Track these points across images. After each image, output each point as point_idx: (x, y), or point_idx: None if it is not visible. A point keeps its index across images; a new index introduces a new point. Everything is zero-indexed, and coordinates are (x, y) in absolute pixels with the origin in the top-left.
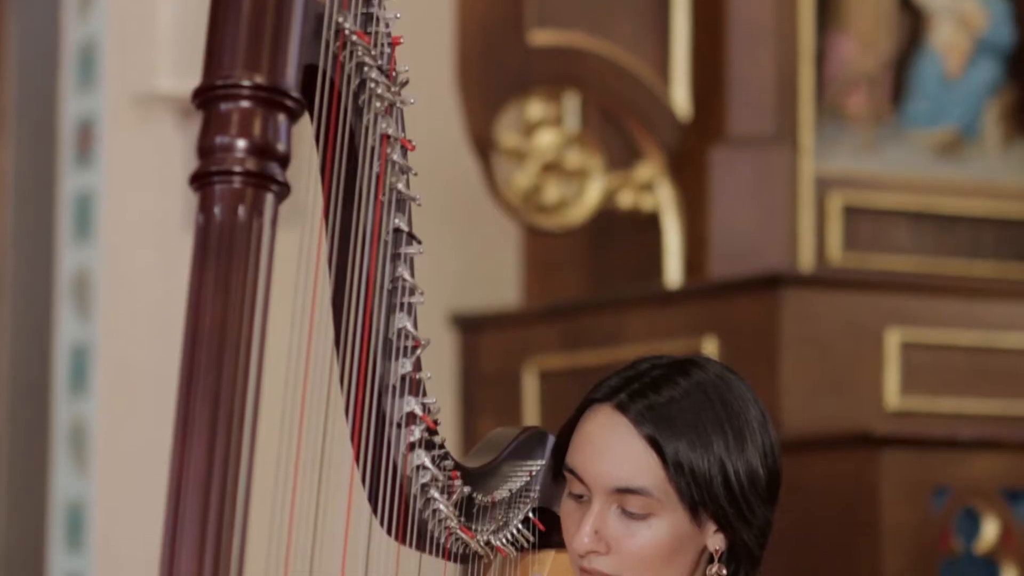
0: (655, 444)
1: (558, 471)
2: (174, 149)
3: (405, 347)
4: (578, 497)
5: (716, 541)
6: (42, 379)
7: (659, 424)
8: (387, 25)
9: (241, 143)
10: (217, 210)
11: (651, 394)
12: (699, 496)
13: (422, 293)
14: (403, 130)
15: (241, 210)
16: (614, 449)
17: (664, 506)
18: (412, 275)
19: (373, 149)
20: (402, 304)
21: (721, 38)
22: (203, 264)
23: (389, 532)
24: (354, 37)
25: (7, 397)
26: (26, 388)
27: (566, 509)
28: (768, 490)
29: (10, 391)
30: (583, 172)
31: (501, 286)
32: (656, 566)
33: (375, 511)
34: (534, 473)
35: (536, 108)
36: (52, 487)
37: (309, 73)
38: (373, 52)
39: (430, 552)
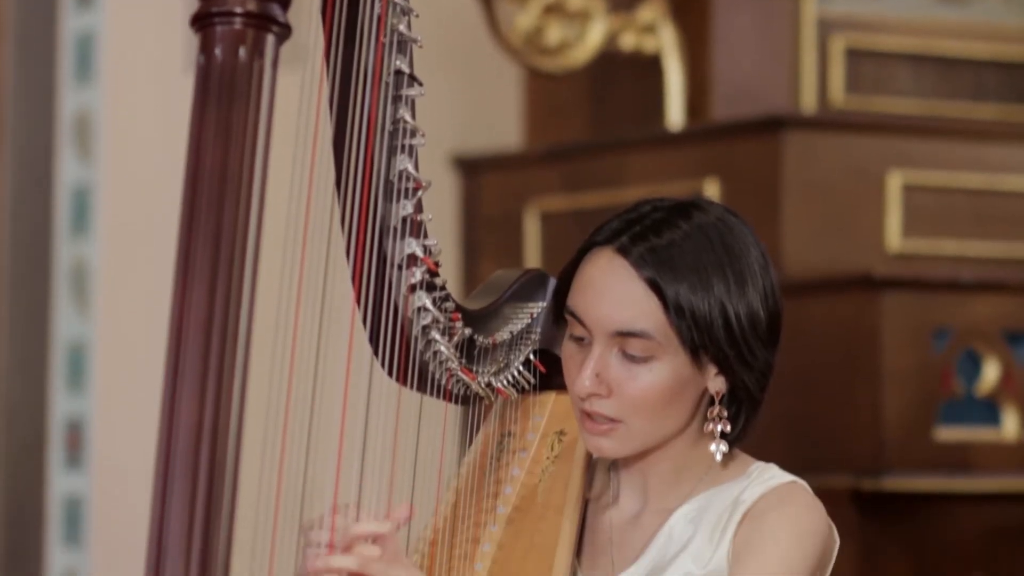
0: (656, 287)
1: (559, 314)
2: None
3: (406, 189)
4: (579, 340)
5: (717, 384)
6: (44, 222)
7: (660, 267)
8: None
9: None
10: (218, 51)
11: (652, 237)
12: (699, 339)
13: (423, 135)
14: None
15: (242, 51)
16: (615, 292)
17: (665, 349)
18: (413, 117)
19: None
20: (403, 146)
21: None
22: (204, 105)
23: (390, 374)
24: None
25: (8, 236)
26: (27, 231)
27: (567, 352)
28: (769, 332)
29: (11, 233)
30: (585, 14)
31: (502, 128)
32: (657, 409)
33: (376, 353)
34: (535, 315)
35: None
36: (53, 328)
37: None
38: None
39: (431, 394)
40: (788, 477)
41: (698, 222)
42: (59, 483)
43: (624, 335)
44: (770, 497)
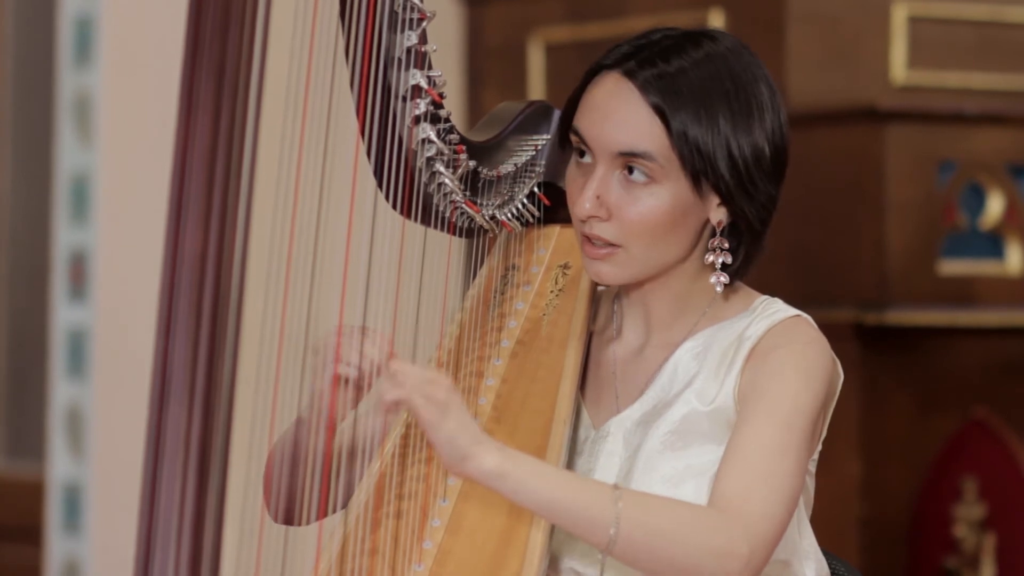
0: (661, 112)
1: (564, 137)
2: None
3: (411, 19)
4: (581, 155)
5: (718, 214)
6: (46, 52)
7: (666, 93)
8: None
9: None
10: None
11: (660, 63)
12: (701, 166)
13: None
14: None
15: None
16: (620, 114)
17: (667, 174)
18: None
19: None
20: None
21: None
22: None
23: (394, 206)
24: None
25: (11, 68)
26: (30, 60)
27: (570, 175)
28: (773, 166)
29: (13, 64)
30: None
31: None
32: (657, 234)
33: (380, 185)
34: (539, 147)
35: None
36: (57, 159)
37: None
38: None
39: (435, 227)
40: (792, 311)
41: (708, 51)
42: (63, 315)
43: (626, 155)
44: (775, 333)
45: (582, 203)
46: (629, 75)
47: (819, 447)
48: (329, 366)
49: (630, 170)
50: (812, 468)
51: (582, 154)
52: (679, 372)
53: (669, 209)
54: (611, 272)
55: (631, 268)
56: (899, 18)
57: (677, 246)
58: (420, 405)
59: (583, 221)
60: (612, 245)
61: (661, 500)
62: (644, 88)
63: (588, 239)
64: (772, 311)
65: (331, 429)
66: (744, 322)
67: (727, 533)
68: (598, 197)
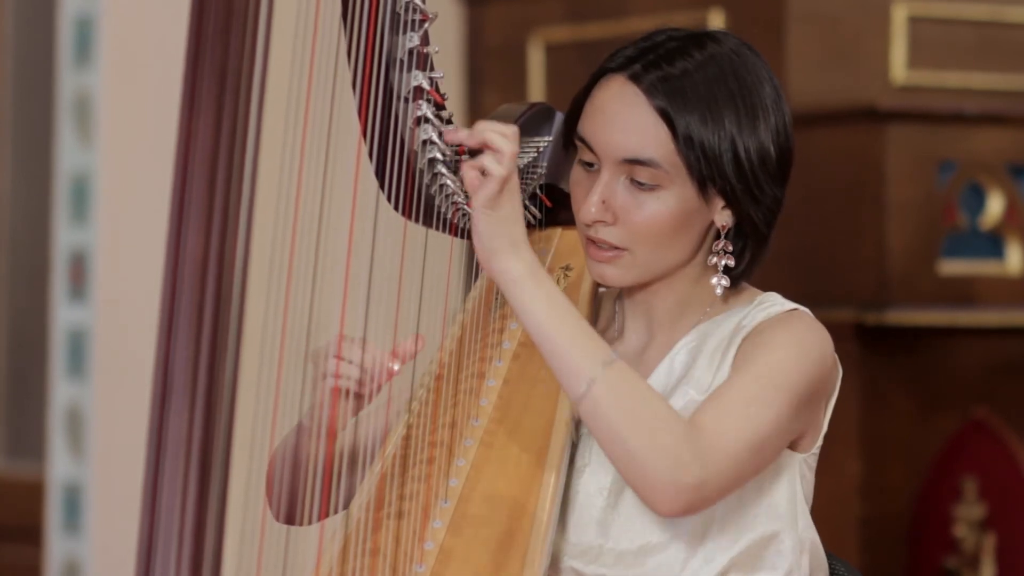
0: (666, 116)
1: (569, 140)
2: None
3: (413, 21)
4: (588, 166)
5: (723, 217)
6: (46, 52)
7: (671, 96)
8: None
9: None
10: None
11: (665, 66)
12: (707, 170)
13: None
14: None
15: None
16: (625, 119)
17: (672, 179)
18: None
19: None
20: None
21: None
22: None
23: (396, 208)
24: None
25: (11, 68)
26: (30, 60)
27: (575, 178)
28: (778, 169)
29: (13, 64)
30: None
31: None
32: (662, 239)
33: (382, 186)
34: (541, 149)
35: None
36: (57, 159)
37: None
38: None
39: (436, 228)
40: (791, 305)
41: (712, 53)
42: (63, 315)
43: (632, 163)
44: (772, 320)
45: (588, 208)
46: (634, 79)
47: (819, 444)
48: (329, 378)
49: (635, 174)
50: (812, 465)
51: (589, 165)
52: (675, 366)
53: (674, 214)
54: (616, 275)
55: (635, 271)
56: (899, 18)
57: (682, 249)
58: (484, 184)
59: (588, 225)
60: (617, 248)
61: (647, 388)
62: (649, 92)
63: (593, 242)
64: (769, 303)
65: (332, 437)
66: (741, 314)
67: (690, 448)
68: (604, 202)
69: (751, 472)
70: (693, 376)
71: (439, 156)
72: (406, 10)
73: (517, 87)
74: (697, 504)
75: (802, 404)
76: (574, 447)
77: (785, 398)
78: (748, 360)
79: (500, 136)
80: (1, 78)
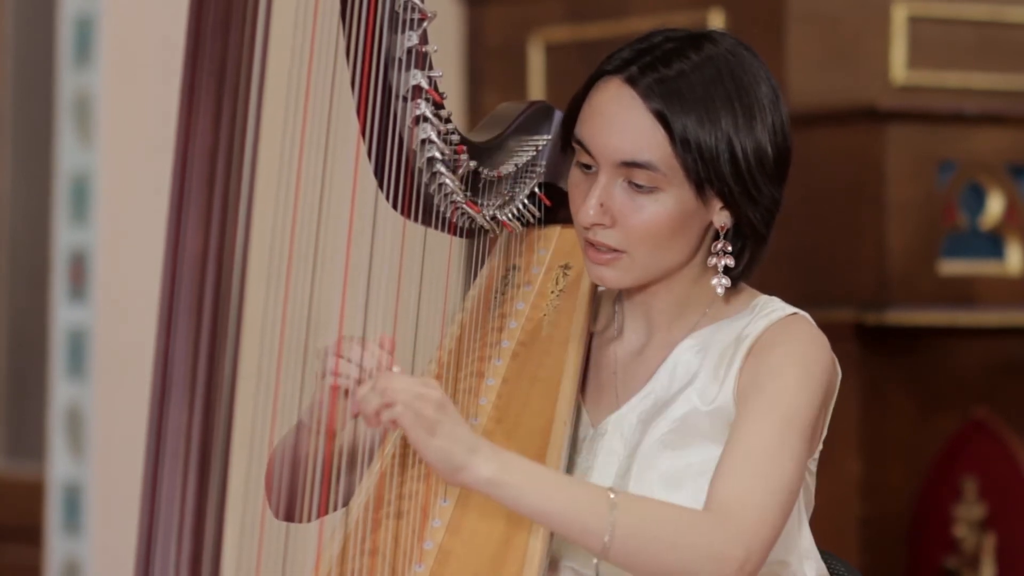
0: (663, 119)
1: (566, 142)
2: None
3: (412, 20)
4: (585, 168)
5: (722, 218)
6: (46, 52)
7: (668, 99)
8: None
9: None
10: None
11: (661, 68)
12: (705, 173)
13: None
14: None
15: None
16: (622, 122)
17: (670, 181)
18: None
19: None
20: None
21: None
22: None
23: (395, 207)
24: None
25: (11, 68)
26: (30, 60)
27: (573, 180)
28: (776, 169)
29: (13, 64)
30: None
31: None
32: (660, 240)
33: (381, 185)
34: (540, 148)
35: None
36: (57, 159)
37: None
38: None
39: (435, 227)
40: (790, 309)
41: (708, 54)
42: (63, 315)
43: (629, 166)
44: (774, 331)
45: (586, 211)
46: (630, 81)
47: (819, 446)
48: (328, 377)
49: (633, 176)
50: (813, 467)
51: (587, 167)
52: (679, 369)
53: (673, 215)
54: (614, 276)
55: (634, 273)
56: (899, 18)
57: (680, 251)
58: (408, 424)
59: (586, 228)
60: (616, 251)
61: (656, 505)
62: (646, 95)
63: (591, 245)
64: (770, 310)
65: (331, 436)
66: (743, 321)
67: (723, 537)
68: (601, 205)
69: (786, 519)
70: (697, 383)
71: (438, 155)
72: (405, 9)
73: (517, 87)
74: (752, 573)
75: (812, 426)
76: (576, 448)
77: (798, 434)
78: (755, 394)
79: (374, 393)
80: (1, 78)
